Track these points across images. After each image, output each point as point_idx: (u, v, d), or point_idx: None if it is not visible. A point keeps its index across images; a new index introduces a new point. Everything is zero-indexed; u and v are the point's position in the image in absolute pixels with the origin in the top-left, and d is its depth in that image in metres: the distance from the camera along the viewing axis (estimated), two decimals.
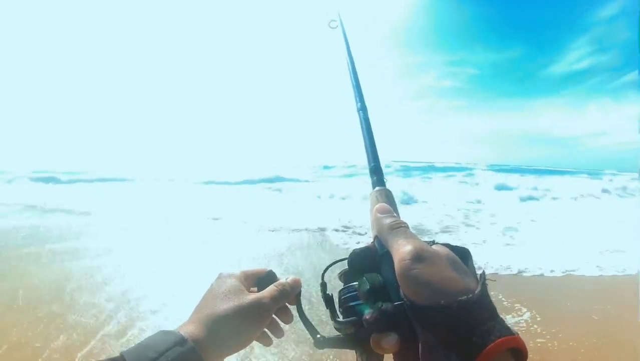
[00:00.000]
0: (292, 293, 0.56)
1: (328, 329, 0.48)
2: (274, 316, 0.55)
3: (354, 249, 0.48)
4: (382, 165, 0.58)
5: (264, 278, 0.58)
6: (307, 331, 0.51)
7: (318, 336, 0.48)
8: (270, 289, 0.54)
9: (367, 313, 0.40)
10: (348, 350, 0.46)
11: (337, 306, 0.48)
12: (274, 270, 0.59)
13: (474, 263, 0.42)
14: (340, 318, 0.46)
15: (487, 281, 0.38)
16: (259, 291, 0.56)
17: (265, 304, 0.52)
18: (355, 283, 0.45)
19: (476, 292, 0.35)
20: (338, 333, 0.47)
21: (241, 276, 0.56)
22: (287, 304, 0.57)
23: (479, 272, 0.40)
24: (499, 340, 0.32)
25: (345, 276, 0.48)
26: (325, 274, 0.56)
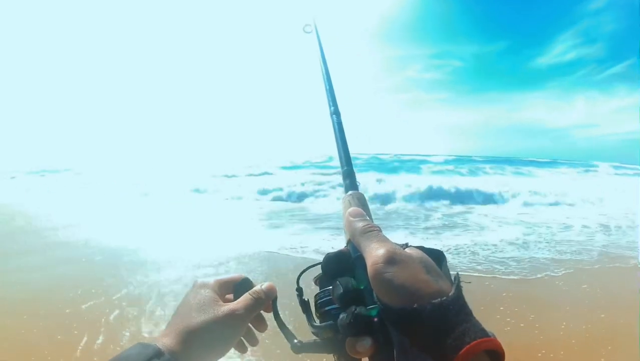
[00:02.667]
0: (267, 301, 0.56)
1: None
2: (249, 324, 0.55)
3: (327, 254, 0.48)
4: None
5: (239, 285, 0.58)
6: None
7: (295, 341, 0.48)
8: (245, 298, 0.54)
9: (341, 318, 0.40)
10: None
11: (313, 310, 0.48)
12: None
13: (447, 265, 0.43)
14: (317, 323, 0.46)
15: (461, 284, 0.38)
16: (235, 298, 0.56)
17: (240, 315, 0.52)
18: (330, 288, 0.45)
19: (450, 294, 0.36)
20: (315, 338, 0.47)
21: (215, 285, 0.56)
22: (262, 312, 0.57)
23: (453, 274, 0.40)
24: (475, 341, 0.32)
25: (320, 281, 0.48)
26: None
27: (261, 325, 0.58)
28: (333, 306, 0.44)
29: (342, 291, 0.42)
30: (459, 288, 0.37)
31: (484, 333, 0.34)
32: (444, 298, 0.35)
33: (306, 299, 0.51)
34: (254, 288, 0.56)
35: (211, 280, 0.57)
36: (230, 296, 0.57)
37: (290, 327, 0.51)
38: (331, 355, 0.45)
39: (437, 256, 0.42)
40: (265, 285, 0.57)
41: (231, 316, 0.52)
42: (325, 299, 0.46)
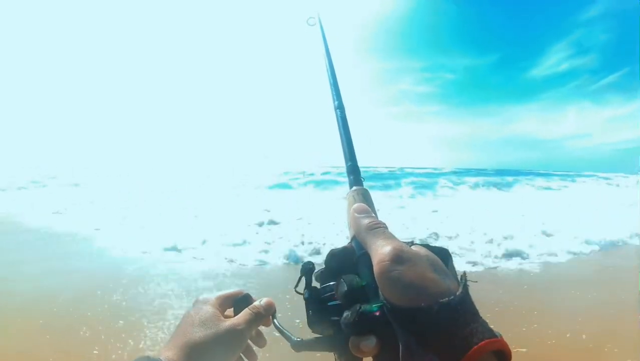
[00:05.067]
0: (266, 316, 0.57)
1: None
2: (248, 341, 0.57)
3: (331, 250, 0.47)
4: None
5: (239, 301, 0.60)
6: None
7: (296, 339, 0.48)
8: (245, 314, 0.56)
9: (345, 315, 0.39)
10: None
11: None
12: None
13: (454, 264, 0.42)
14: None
15: (468, 283, 0.37)
16: (235, 313, 0.58)
17: (241, 330, 0.55)
18: (332, 283, 0.44)
19: (457, 294, 0.35)
20: (316, 335, 0.46)
21: (216, 302, 0.58)
22: (261, 327, 0.59)
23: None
24: (483, 342, 0.31)
25: (322, 276, 0.47)
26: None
27: (260, 340, 0.60)
28: (335, 302, 0.43)
29: (346, 288, 0.41)
30: (466, 288, 0.36)
31: (491, 333, 0.33)
32: (452, 297, 0.34)
33: (306, 295, 0.50)
34: (253, 304, 0.58)
35: (212, 296, 0.59)
36: (231, 311, 0.59)
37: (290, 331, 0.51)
38: (332, 355, 0.44)
39: (443, 254, 0.41)
40: (264, 301, 0.59)
41: (232, 331, 0.54)
42: (327, 295, 0.45)
